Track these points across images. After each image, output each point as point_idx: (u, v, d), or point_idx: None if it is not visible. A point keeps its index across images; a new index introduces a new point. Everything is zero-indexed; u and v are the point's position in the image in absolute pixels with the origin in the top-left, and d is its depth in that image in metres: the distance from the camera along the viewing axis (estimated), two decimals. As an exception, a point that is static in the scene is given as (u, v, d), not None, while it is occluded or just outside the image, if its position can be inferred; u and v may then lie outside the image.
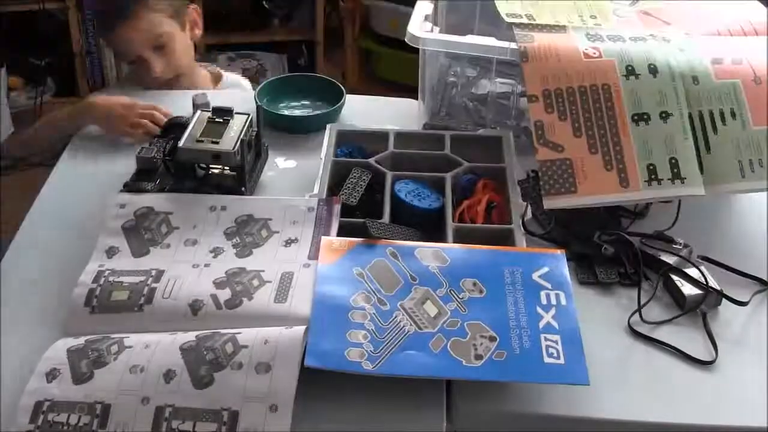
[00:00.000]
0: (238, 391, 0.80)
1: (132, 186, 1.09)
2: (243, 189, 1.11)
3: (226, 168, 1.12)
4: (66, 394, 0.83)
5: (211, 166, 1.12)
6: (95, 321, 0.92)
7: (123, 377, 0.83)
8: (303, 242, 0.99)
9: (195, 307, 0.91)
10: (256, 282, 0.93)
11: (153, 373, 0.83)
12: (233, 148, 1.09)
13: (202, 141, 1.10)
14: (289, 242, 0.99)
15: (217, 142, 1.10)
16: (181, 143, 1.10)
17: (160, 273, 0.96)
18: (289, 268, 0.94)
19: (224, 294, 0.92)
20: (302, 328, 0.85)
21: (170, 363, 0.83)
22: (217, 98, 1.30)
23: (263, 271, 0.94)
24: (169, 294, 0.92)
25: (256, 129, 1.17)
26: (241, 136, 1.11)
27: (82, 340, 0.89)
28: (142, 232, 1.03)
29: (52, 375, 0.85)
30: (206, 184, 1.11)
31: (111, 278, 0.96)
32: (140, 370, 0.83)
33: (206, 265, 0.97)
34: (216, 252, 0.99)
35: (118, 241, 1.02)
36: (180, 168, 1.12)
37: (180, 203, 1.06)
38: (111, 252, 1.01)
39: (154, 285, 0.94)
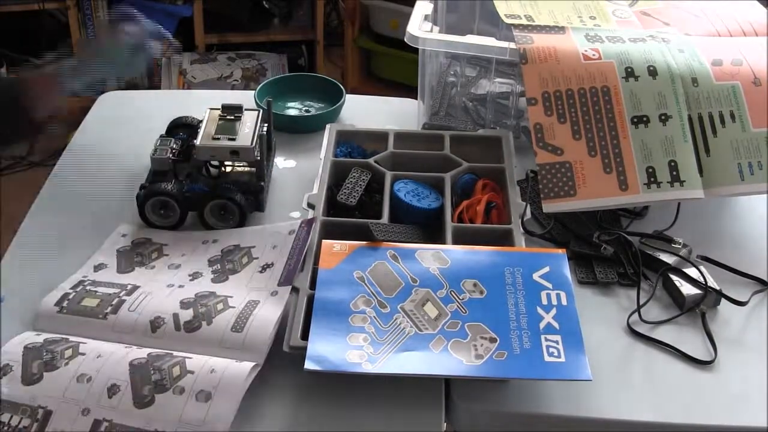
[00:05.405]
0: (175, 416, 0.80)
1: (150, 188, 1.07)
2: (262, 183, 1.11)
3: (241, 165, 1.12)
4: (13, 393, 0.83)
5: (227, 163, 1.12)
6: (60, 321, 0.93)
7: (70, 385, 0.83)
8: (277, 267, 0.97)
9: (155, 324, 0.90)
10: (220, 306, 0.92)
11: (98, 384, 0.83)
12: (252, 144, 1.08)
13: (218, 138, 1.09)
14: (264, 268, 0.98)
15: (233, 139, 1.09)
16: (198, 141, 1.09)
17: (134, 288, 0.96)
18: (257, 297, 0.93)
19: (186, 315, 0.91)
20: (250, 364, 0.84)
21: (117, 377, 0.83)
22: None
23: (231, 296, 0.94)
24: (135, 308, 0.93)
25: (267, 124, 1.16)
26: (257, 132, 1.11)
27: (42, 338, 0.89)
28: (133, 255, 1.05)
29: (3, 371, 0.85)
30: (224, 182, 1.10)
31: (88, 287, 0.97)
32: (87, 380, 0.83)
33: (180, 286, 0.97)
34: (194, 276, 1.00)
35: (109, 260, 1.04)
36: (196, 167, 1.11)
37: (176, 237, 1.08)
38: (98, 267, 1.03)
39: (125, 297, 0.94)
